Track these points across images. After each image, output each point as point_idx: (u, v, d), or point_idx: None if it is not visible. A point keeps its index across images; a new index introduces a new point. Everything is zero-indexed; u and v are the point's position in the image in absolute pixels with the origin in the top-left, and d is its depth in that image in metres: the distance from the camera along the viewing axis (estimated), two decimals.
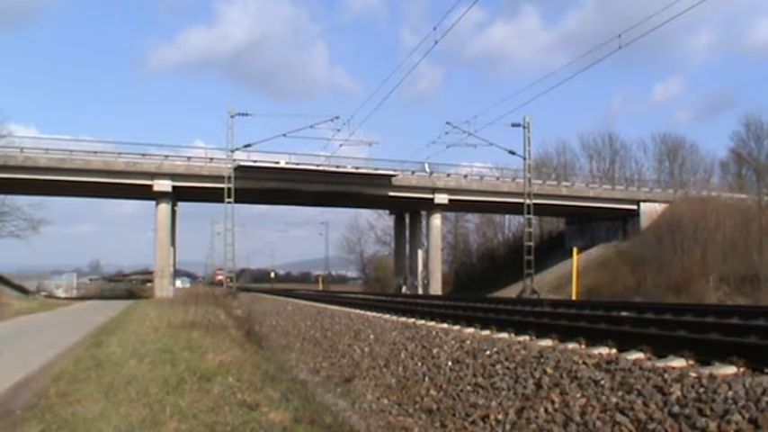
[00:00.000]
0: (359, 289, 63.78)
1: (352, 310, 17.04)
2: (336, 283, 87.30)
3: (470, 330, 10.27)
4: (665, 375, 5.34)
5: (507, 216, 57.93)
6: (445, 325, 11.34)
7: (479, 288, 46.99)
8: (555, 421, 5.63)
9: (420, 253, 45.76)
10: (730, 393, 4.70)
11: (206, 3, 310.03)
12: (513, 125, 31.38)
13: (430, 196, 40.34)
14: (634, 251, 37.17)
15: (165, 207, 36.35)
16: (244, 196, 37.02)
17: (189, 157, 37.44)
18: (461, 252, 63.62)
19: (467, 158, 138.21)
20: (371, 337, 11.77)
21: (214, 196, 36.08)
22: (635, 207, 43.45)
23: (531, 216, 33.42)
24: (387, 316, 14.34)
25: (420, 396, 7.89)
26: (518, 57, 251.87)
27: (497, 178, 43.43)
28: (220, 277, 41.43)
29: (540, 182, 40.94)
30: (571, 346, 7.69)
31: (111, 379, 7.18)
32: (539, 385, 6.36)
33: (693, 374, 5.22)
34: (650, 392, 5.20)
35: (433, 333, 10.00)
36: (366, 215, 68.30)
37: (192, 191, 37.19)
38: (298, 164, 36.92)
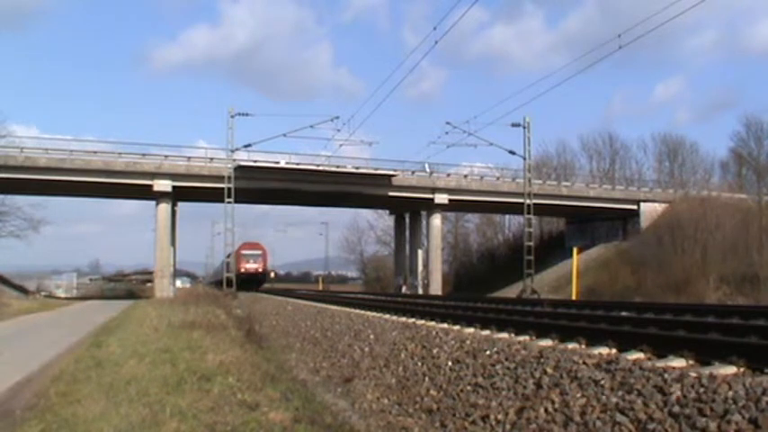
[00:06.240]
0: (359, 289, 63.77)
1: (352, 310, 17.02)
2: (336, 283, 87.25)
3: (470, 330, 10.25)
4: (665, 375, 5.34)
5: (507, 216, 57.91)
6: (445, 325, 11.32)
7: (479, 288, 46.96)
8: (555, 421, 5.62)
9: (420, 253, 45.73)
10: (730, 393, 4.69)
11: (211, 3, 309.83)
12: (513, 125, 31.40)
13: (430, 196, 40.33)
14: (634, 251, 37.17)
15: (165, 207, 36.34)
16: (244, 196, 36.99)
17: (189, 158, 37.43)
18: (461, 252, 63.59)
19: (467, 158, 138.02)
20: (371, 337, 11.76)
21: (214, 196, 36.05)
22: (635, 207, 43.45)
23: (531, 216, 33.41)
24: (387, 316, 14.33)
25: (420, 396, 7.88)
26: (519, 57, 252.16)
27: (497, 178, 43.39)
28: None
29: (540, 182, 40.92)
30: (571, 346, 7.68)
31: (111, 379, 7.18)
32: (539, 385, 6.36)
33: (693, 374, 5.22)
34: (650, 392, 5.20)
35: (433, 333, 9.98)
36: (366, 215, 68.33)
37: (192, 191, 37.16)
38: (298, 164, 36.92)
